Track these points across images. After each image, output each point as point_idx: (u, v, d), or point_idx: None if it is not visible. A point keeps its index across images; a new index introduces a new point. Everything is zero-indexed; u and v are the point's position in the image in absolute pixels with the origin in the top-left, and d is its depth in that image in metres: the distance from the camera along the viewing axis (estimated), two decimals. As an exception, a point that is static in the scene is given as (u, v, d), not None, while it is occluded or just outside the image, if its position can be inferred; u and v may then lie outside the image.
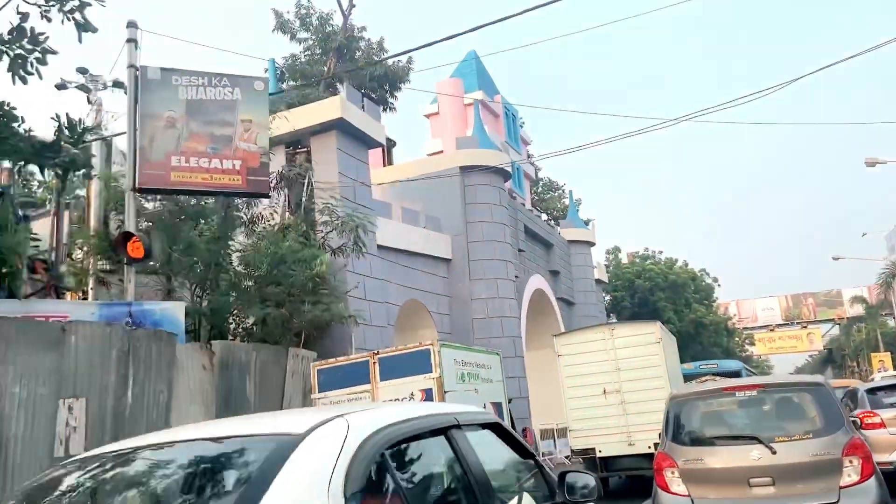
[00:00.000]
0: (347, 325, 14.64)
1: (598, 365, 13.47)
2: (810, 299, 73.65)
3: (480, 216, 21.71)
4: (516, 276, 24.38)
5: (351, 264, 15.69)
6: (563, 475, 3.47)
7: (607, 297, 46.13)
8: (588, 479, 3.47)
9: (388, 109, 21.56)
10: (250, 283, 12.42)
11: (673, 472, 6.83)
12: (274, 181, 13.01)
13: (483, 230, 21.62)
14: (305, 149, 16.62)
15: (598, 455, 12.98)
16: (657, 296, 44.69)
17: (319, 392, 11.25)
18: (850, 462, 6.27)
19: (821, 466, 6.31)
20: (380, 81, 19.51)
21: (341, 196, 15.92)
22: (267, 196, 9.69)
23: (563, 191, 47.35)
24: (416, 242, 19.59)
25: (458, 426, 3.04)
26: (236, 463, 2.31)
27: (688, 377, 16.40)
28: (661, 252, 56.92)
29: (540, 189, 46.74)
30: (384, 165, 23.65)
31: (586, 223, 34.82)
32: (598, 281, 38.97)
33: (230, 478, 2.25)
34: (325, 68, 18.99)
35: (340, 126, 16.24)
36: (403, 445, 2.62)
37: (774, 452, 6.40)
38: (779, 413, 7.29)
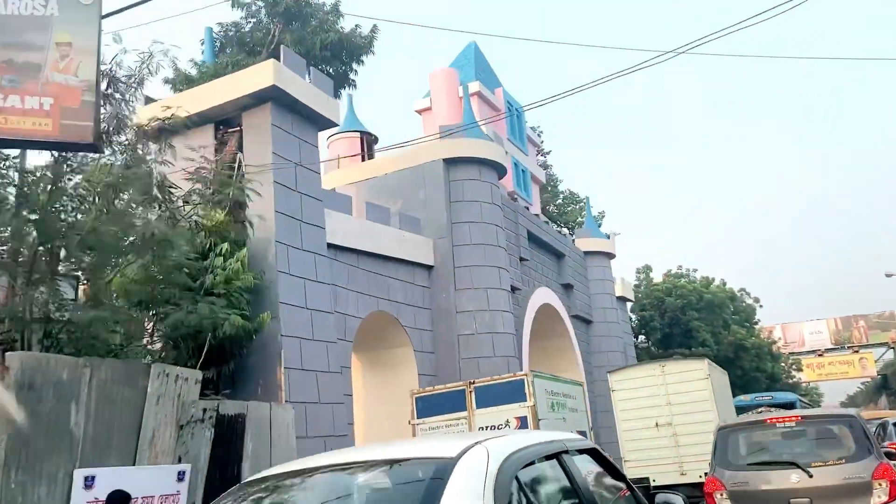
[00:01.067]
0: (261, 334, 11.67)
1: (650, 399, 14.31)
2: (861, 322, 68.56)
3: (468, 215, 18.64)
4: (515, 288, 21.17)
5: (284, 263, 12.73)
6: (652, 496, 4.07)
7: (634, 317, 42.46)
8: (677, 500, 3.98)
9: (347, 85, 18.68)
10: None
11: (721, 494, 7.75)
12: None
13: (471, 232, 18.53)
14: (238, 128, 13.82)
15: (652, 484, 13.33)
16: (689, 315, 40.84)
17: (418, 418, 12.08)
18: (879, 485, 7.05)
19: (853, 488, 7.11)
20: (334, 51, 16.75)
21: (275, 181, 13.03)
22: (93, 149, 6.94)
23: (586, 202, 44.03)
24: (387, 244, 16.59)
25: (567, 451, 3.43)
26: (404, 483, 2.79)
27: (743, 409, 17.06)
28: (695, 270, 53.07)
29: (560, 201, 43.53)
30: (363, 161, 20.81)
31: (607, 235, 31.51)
32: (623, 299, 35.51)
33: (402, 497, 2.75)
34: (270, 37, 16.30)
35: (276, 97, 13.40)
36: (529, 468, 2.96)
37: (811, 476, 7.24)
38: (816, 442, 8.00)
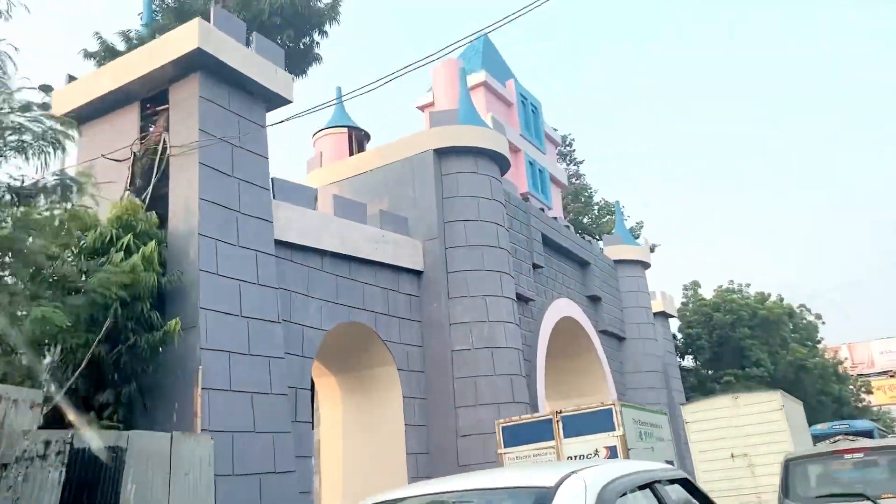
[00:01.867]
0: (172, 347, 9.38)
1: (724, 431, 14.58)
2: (937, 339, 63.39)
3: (463, 213, 16.16)
4: (526, 298, 18.54)
5: (210, 261, 10.46)
6: None
7: (679, 335, 39.06)
8: None
9: (313, 61, 16.40)
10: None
11: None
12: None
13: (466, 232, 16.03)
14: (167, 105, 11.70)
15: None
16: (741, 332, 37.25)
17: (505, 447, 12.11)
18: None
19: None
20: (291, 19, 14.51)
21: (201, 163, 10.82)
22: None
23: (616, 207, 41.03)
24: (362, 245, 14.21)
25: (659, 481, 3.45)
26: None
27: (820, 437, 17.17)
28: (748, 285, 49.26)
29: (595, 212, 40.65)
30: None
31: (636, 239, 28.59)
32: (664, 314, 32.40)
33: None
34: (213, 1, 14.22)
35: (205, 65, 11.25)
36: (624, 497, 2.98)
37: None
38: (884, 472, 7.90)
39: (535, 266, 19.56)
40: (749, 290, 48.57)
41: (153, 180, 11.04)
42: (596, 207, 41.01)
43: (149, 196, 11.00)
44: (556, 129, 43.28)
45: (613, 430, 11.06)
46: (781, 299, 49.42)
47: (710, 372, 38.43)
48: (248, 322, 10.79)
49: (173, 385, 9.84)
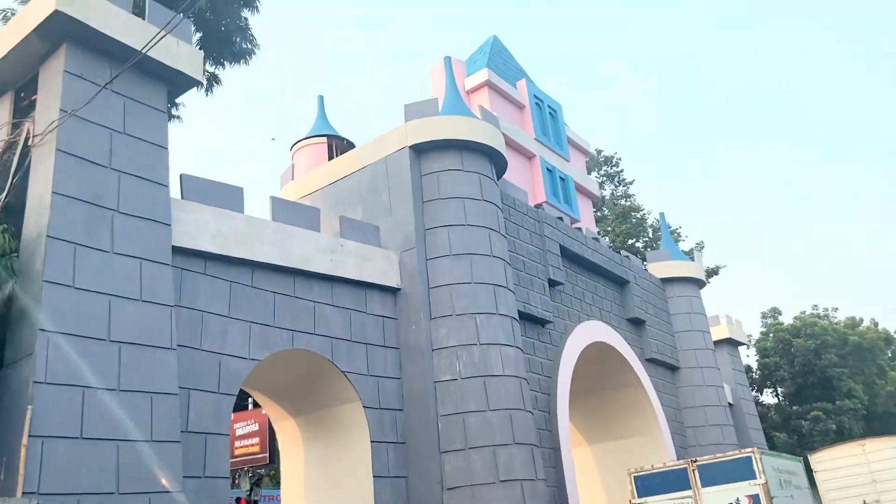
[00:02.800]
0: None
1: (854, 478, 15.05)
2: None
3: (445, 217, 13.51)
4: (542, 320, 15.64)
5: (63, 271, 8.14)
6: None
7: (754, 365, 34.77)
8: None
9: (245, 42, 14.04)
10: None
11: None
12: None
13: (450, 239, 13.35)
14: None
15: None
16: (827, 359, 32.69)
17: (639, 497, 12.34)
18: None
19: None
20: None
21: (59, 150, 8.62)
22: None
23: (679, 233, 37.42)
24: (314, 257, 11.72)
25: None
26: None
27: None
28: (835, 309, 44.35)
29: (651, 235, 37.15)
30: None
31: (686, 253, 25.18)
32: (733, 342, 28.60)
33: None
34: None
35: (70, 33, 9.15)
36: None
37: None
38: None
39: (551, 282, 16.63)
40: (837, 315, 43.75)
41: (10, 179, 8.90)
42: (650, 230, 37.56)
43: (5, 198, 8.84)
44: (608, 158, 40.49)
45: (755, 478, 11.11)
46: (876, 324, 44.29)
47: (794, 407, 33.89)
48: (121, 348, 8.36)
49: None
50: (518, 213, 16.33)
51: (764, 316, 41.98)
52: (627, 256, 21.32)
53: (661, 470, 12.33)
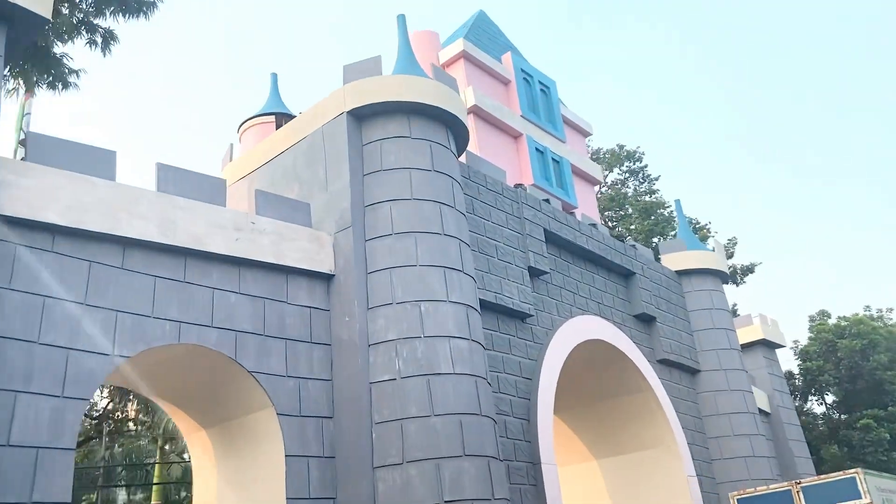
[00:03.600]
0: None
1: None
2: None
3: (387, 191, 11.48)
4: (520, 313, 13.49)
5: None
6: None
7: (796, 370, 31.68)
8: None
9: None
10: None
11: None
12: None
13: (393, 216, 11.30)
14: None
15: None
16: (876, 360, 29.49)
17: None
18: None
19: None
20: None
21: None
22: None
23: (709, 228, 34.66)
24: (211, 235, 9.81)
25: None
26: None
27: None
28: (890, 310, 40.84)
29: (675, 234, 34.48)
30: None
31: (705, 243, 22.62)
32: (765, 343, 25.81)
33: None
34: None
35: None
36: None
37: None
38: None
39: (533, 271, 14.46)
40: (893, 317, 40.24)
41: None
42: (678, 226, 34.93)
43: None
44: (631, 152, 38.02)
45: (860, 497, 11.18)
46: (935, 322, 40.58)
47: (843, 416, 30.70)
48: None
49: None
50: (490, 193, 14.25)
51: (812, 320, 38.68)
52: (634, 246, 18.97)
53: (764, 492, 12.47)
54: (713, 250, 21.29)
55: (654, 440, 17.19)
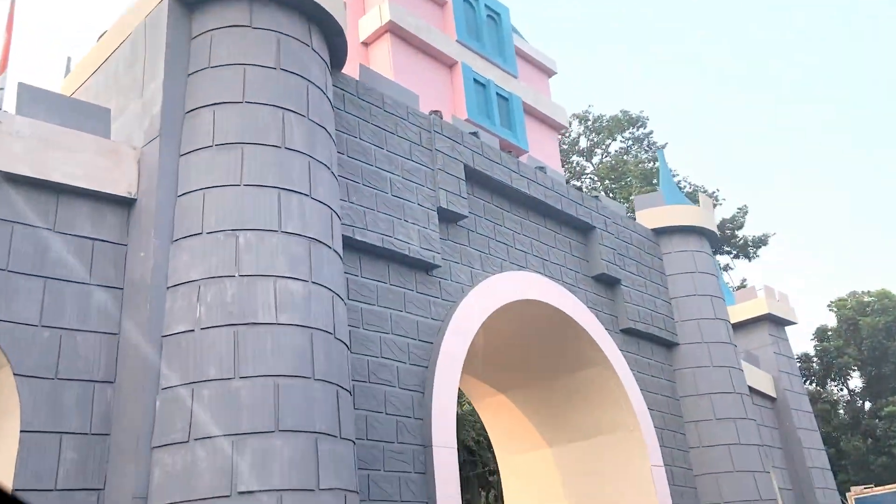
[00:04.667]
0: None
1: None
2: None
3: (212, 93, 8.83)
4: (424, 263, 10.79)
5: None
6: None
7: (812, 351, 28.31)
8: None
9: None
10: None
11: None
12: None
13: (216, 124, 8.65)
14: None
15: None
16: (903, 339, 26.03)
17: None
18: None
19: None
20: None
21: None
22: None
23: (717, 196, 31.44)
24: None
25: None
26: None
27: None
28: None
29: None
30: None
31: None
32: (772, 319, 22.69)
33: None
34: None
35: None
36: None
37: None
38: None
39: (446, 215, 11.73)
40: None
41: None
42: (684, 192, 31.79)
43: None
44: (635, 117, 34.96)
45: None
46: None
47: (866, 404, 27.31)
48: None
49: None
50: (390, 117, 11.54)
51: (831, 307, 35.04)
52: (597, 197, 16.09)
53: (887, 491, 12.03)
54: (693, 206, 18.26)
55: (612, 424, 14.36)
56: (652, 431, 14.27)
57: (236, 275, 7.91)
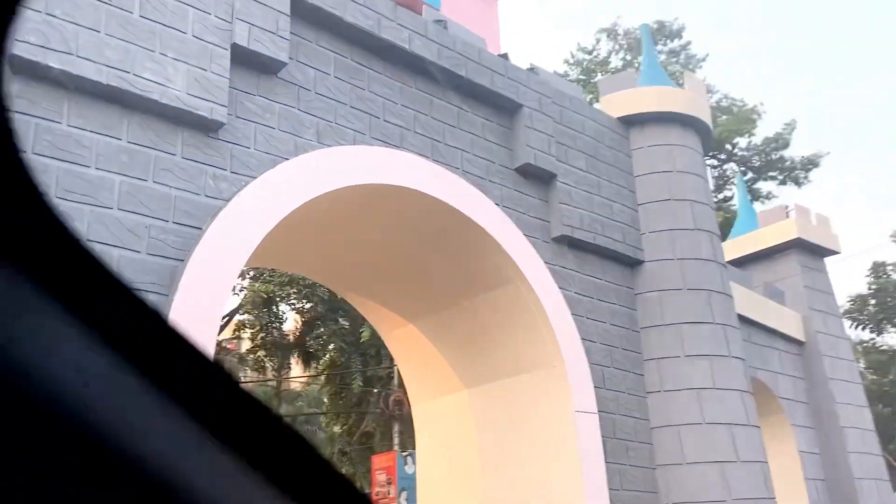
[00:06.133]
0: None
1: None
2: None
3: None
4: (207, 122, 7.50)
5: None
6: None
7: (867, 290, 23.66)
8: None
9: None
10: None
11: None
12: None
13: None
14: None
15: None
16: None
17: None
18: None
19: None
20: None
21: None
22: None
23: (759, 112, 26.74)
24: None
25: None
26: None
27: None
28: None
29: (726, 120, 26.65)
30: None
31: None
32: (803, 245, 18.57)
33: None
34: None
35: None
36: None
37: None
38: None
39: (250, 57, 8.41)
40: None
41: None
42: (725, 113, 27.20)
43: None
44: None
45: None
46: None
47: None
48: None
49: None
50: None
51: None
52: (532, 69, 12.41)
53: None
54: (677, 87, 14.28)
55: (533, 360, 10.89)
56: (585, 368, 10.72)
57: None
